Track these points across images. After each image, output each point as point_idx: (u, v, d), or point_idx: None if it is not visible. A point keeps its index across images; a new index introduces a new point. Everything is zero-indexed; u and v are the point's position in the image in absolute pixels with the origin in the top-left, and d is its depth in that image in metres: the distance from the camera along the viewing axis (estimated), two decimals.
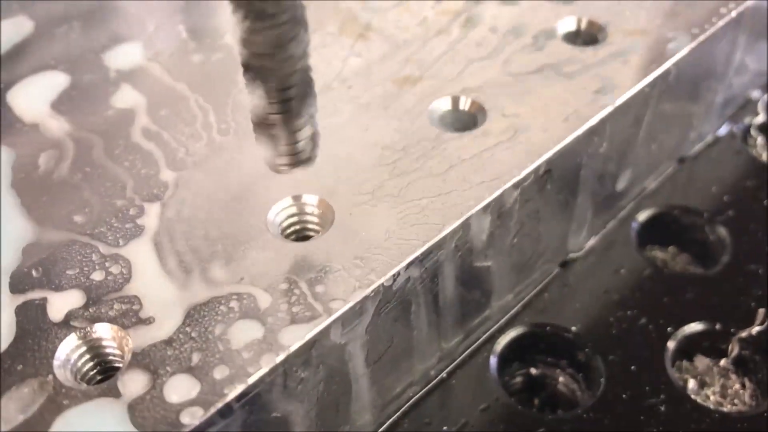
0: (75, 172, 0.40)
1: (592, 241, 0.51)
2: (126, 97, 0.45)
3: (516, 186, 0.39)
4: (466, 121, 0.43)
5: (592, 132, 0.42)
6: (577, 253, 0.50)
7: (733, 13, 0.50)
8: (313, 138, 0.33)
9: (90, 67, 0.47)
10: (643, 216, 0.53)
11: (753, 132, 0.59)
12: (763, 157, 0.58)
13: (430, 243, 0.36)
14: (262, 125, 0.31)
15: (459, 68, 0.46)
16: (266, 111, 0.30)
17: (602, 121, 0.42)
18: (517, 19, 0.50)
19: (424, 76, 0.45)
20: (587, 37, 0.49)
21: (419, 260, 0.36)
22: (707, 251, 0.52)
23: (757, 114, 0.60)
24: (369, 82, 0.45)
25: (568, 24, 0.49)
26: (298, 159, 0.33)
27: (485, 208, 0.38)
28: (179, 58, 0.48)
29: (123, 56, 0.48)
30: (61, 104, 0.45)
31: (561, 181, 0.43)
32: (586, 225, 0.49)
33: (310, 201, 0.38)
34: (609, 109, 0.43)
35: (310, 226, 0.39)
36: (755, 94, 0.61)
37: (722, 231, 0.51)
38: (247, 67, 0.29)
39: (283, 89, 0.29)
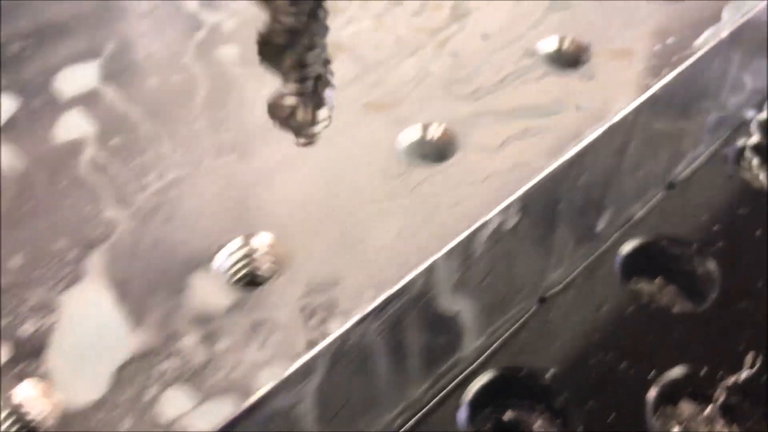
0: (13, 210, 0.38)
1: (574, 274, 0.48)
2: (74, 125, 0.42)
3: (485, 226, 0.36)
4: (436, 152, 0.40)
5: (570, 164, 0.39)
6: (557, 287, 0.47)
7: (724, 33, 0.47)
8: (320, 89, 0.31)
9: (39, 90, 0.45)
10: (628, 247, 0.50)
11: (747, 154, 0.56)
12: (758, 181, 0.55)
13: (387, 294, 0.33)
14: (278, 108, 0.30)
15: (429, 94, 0.43)
16: (283, 92, 0.30)
17: (580, 154, 0.39)
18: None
19: (393, 102, 0.42)
20: (569, 57, 0.46)
21: (377, 311, 0.33)
22: (696, 284, 0.50)
23: (750, 135, 0.57)
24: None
25: (549, 44, 0.46)
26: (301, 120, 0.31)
27: (450, 253, 0.35)
28: (135, 81, 0.45)
29: (75, 78, 0.45)
30: (7, 131, 0.42)
31: (537, 216, 0.40)
32: (566, 259, 0.46)
33: (262, 242, 0.35)
34: (589, 139, 0.40)
35: (260, 271, 0.36)
36: (750, 113, 0.58)
37: (711, 264, 0.48)
38: (267, 44, 0.28)
39: (303, 67, 0.29)
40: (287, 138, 0.32)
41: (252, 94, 0.43)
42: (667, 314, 0.46)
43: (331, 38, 0.30)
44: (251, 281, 0.35)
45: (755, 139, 0.56)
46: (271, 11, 0.28)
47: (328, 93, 0.31)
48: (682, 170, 0.54)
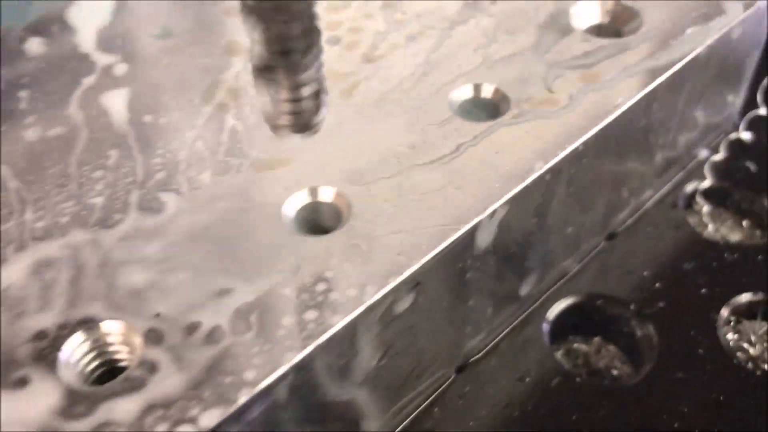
0: None
1: (497, 340, 0.44)
2: None
3: (372, 309, 0.32)
4: (327, 221, 0.37)
5: (470, 233, 0.35)
6: (477, 355, 0.43)
7: (674, 69, 0.43)
8: (318, 97, 0.30)
9: None
10: (560, 307, 0.46)
11: (698, 199, 0.52)
12: (707, 232, 0.51)
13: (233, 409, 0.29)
14: (262, 71, 0.28)
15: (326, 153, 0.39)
16: (267, 55, 0.28)
17: (480, 224, 0.35)
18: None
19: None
20: (488, 106, 0.42)
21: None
22: (635, 346, 0.45)
23: (704, 178, 0.53)
24: None
25: (463, 93, 0.42)
26: (301, 121, 0.30)
27: (329, 343, 0.31)
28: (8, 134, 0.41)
29: None
30: None
31: (438, 291, 0.36)
32: (485, 327, 0.42)
33: (111, 331, 0.32)
34: (494, 207, 0.36)
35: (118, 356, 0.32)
36: (703, 153, 0.54)
37: (650, 328, 0.44)
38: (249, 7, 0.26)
39: (288, 31, 0.27)
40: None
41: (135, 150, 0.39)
42: (595, 389, 0.42)
43: None
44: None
45: (707, 183, 0.52)
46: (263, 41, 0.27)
47: (323, 97, 0.30)
48: (627, 217, 0.50)
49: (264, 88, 0.29)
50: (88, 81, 0.44)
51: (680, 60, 0.43)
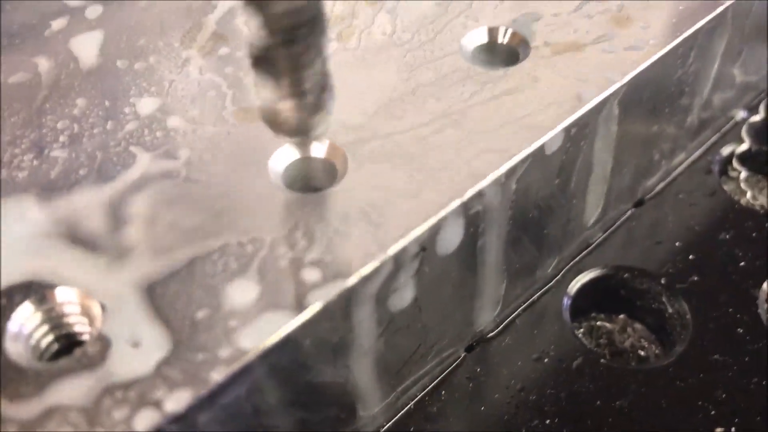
0: None
1: (512, 316, 0.39)
2: None
3: (369, 278, 0.28)
4: (320, 179, 0.32)
5: (484, 194, 0.31)
6: (491, 332, 0.39)
7: (707, 18, 0.38)
8: (323, 96, 0.28)
9: None
10: (581, 281, 0.41)
11: (735, 164, 0.47)
12: (746, 199, 0.46)
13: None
14: (261, 62, 0.26)
15: None
16: (266, 43, 0.25)
17: (494, 184, 0.31)
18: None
19: None
20: (506, 52, 0.37)
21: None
22: (665, 323, 0.41)
23: (741, 141, 0.48)
24: None
25: (478, 37, 0.37)
26: (301, 122, 0.28)
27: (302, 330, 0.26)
28: None
29: None
30: None
31: (446, 258, 0.31)
32: (499, 301, 0.37)
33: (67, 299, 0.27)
34: (509, 164, 0.31)
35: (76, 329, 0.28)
36: (741, 114, 0.49)
37: (683, 305, 0.39)
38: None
39: (290, 16, 0.25)
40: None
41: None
42: (621, 369, 0.37)
43: None
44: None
45: (745, 146, 0.47)
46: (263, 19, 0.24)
47: (327, 95, 0.28)
48: (657, 183, 0.45)
49: (262, 81, 0.26)
50: (58, 24, 0.39)
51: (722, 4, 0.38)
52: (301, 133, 0.29)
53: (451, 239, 0.31)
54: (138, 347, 0.25)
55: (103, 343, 0.25)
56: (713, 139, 0.48)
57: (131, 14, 0.39)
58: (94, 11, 0.40)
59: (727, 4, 0.38)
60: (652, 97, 0.38)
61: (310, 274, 0.27)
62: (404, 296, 0.30)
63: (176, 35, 0.38)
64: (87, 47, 0.37)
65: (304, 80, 0.27)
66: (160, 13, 0.39)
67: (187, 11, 0.39)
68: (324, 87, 0.28)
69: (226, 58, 0.36)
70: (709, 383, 0.36)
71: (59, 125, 0.34)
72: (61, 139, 0.33)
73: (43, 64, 0.37)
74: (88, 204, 0.30)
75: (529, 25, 0.37)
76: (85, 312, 0.28)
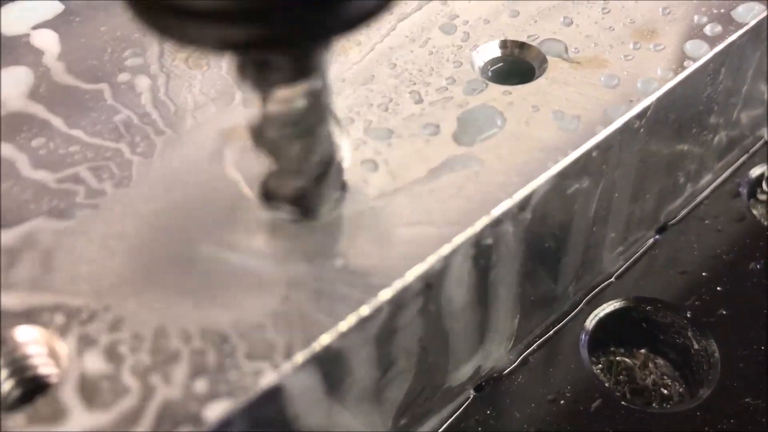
0: None
1: (526, 353, 0.36)
2: None
3: (366, 321, 0.25)
4: None
5: (497, 224, 0.28)
6: (502, 370, 0.36)
7: (737, 34, 0.35)
8: (327, 177, 0.26)
9: None
10: (600, 314, 0.38)
11: (765, 186, 0.44)
12: None
13: None
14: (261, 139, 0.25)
15: None
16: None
17: (508, 212, 0.28)
18: None
19: None
20: (521, 67, 0.35)
21: None
22: (691, 360, 0.38)
23: None
24: None
25: (491, 51, 0.35)
26: (303, 204, 0.26)
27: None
28: None
29: None
30: None
31: (454, 294, 0.29)
32: (512, 336, 0.35)
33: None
34: (525, 190, 0.28)
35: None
36: None
37: (710, 341, 0.36)
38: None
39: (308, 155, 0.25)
40: None
41: None
42: (643, 414, 0.34)
43: None
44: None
45: None
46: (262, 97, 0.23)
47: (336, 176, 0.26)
48: (681, 207, 0.42)
49: (262, 155, 0.25)
50: None
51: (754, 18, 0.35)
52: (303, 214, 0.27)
53: (460, 274, 0.28)
54: None
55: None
56: (741, 159, 0.45)
57: None
58: None
59: (761, 16, 0.35)
60: (678, 117, 0.35)
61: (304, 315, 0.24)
62: (407, 336, 0.28)
63: None
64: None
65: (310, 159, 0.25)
66: None
67: None
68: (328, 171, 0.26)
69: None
70: (740, 429, 0.33)
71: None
72: None
73: None
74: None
75: (546, 38, 0.34)
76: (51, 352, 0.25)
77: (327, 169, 0.26)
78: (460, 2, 0.37)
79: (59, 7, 0.38)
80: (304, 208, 0.27)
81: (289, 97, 0.23)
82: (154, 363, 0.23)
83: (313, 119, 0.24)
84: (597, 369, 0.38)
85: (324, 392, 0.25)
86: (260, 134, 0.25)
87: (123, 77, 0.33)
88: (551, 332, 0.37)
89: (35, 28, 0.37)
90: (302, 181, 0.26)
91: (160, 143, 0.30)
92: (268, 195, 0.27)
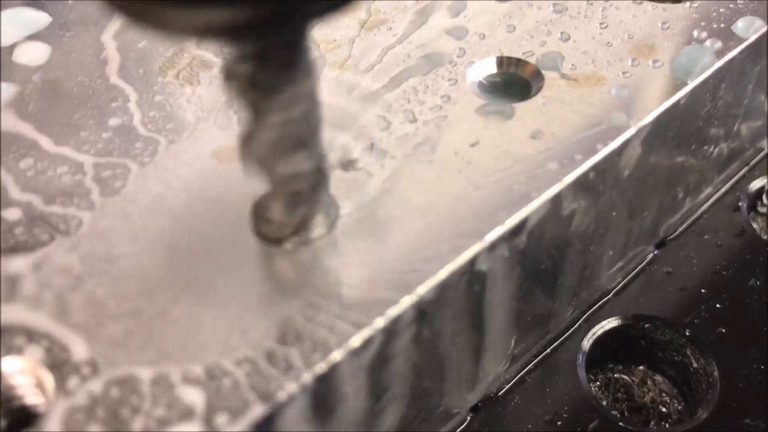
0: None
1: (522, 373, 0.36)
2: None
3: (358, 353, 0.24)
4: None
5: (491, 249, 0.27)
6: (499, 390, 0.35)
7: (735, 51, 0.34)
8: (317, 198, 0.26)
9: None
10: (597, 332, 0.37)
11: (765, 200, 0.44)
12: None
13: None
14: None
15: None
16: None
17: (503, 237, 0.27)
18: None
19: None
20: (517, 84, 0.34)
21: None
22: (690, 378, 0.37)
23: None
24: None
25: (487, 67, 0.34)
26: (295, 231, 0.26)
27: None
28: None
29: None
30: None
31: (448, 320, 0.28)
32: (508, 356, 0.34)
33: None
34: (521, 214, 0.28)
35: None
36: None
37: (710, 360, 0.36)
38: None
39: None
40: None
41: None
42: None
43: None
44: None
45: None
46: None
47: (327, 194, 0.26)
48: (680, 222, 0.42)
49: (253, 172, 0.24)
50: None
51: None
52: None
53: (454, 298, 0.27)
54: None
55: None
56: (741, 172, 0.44)
57: None
58: None
59: (762, 31, 0.35)
60: (677, 133, 0.34)
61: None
62: (401, 362, 0.27)
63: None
64: None
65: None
66: None
67: None
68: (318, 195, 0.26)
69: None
70: None
71: None
72: None
73: None
74: None
75: (543, 55, 0.34)
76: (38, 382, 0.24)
77: (320, 183, 0.26)
78: (455, 18, 0.36)
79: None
80: (297, 228, 0.26)
81: (281, 105, 0.22)
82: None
83: (306, 130, 0.23)
84: (595, 386, 0.38)
85: (315, 421, 0.25)
86: (251, 150, 0.24)
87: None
88: (548, 350, 0.36)
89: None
90: (295, 200, 0.25)
91: (142, 168, 0.30)
92: (261, 218, 0.27)
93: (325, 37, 0.35)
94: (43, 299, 0.25)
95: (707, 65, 0.32)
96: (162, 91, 0.33)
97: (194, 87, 0.33)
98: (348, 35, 0.36)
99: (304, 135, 0.23)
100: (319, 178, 0.25)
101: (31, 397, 0.25)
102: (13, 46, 0.36)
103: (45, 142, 0.31)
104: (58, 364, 0.23)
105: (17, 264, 0.26)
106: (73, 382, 0.23)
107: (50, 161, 0.30)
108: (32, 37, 0.36)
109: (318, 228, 0.26)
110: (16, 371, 0.24)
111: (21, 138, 0.31)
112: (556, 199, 0.28)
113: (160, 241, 0.27)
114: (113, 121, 0.31)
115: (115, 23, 0.37)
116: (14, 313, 0.25)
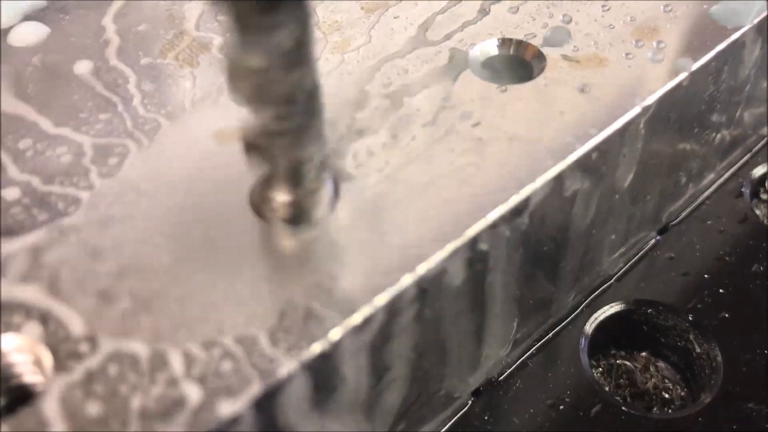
0: None
1: (525, 357, 0.36)
2: None
3: (358, 330, 0.24)
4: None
5: (493, 229, 0.27)
6: (501, 374, 0.35)
7: (740, 32, 0.34)
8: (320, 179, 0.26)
9: None
10: (600, 317, 0.37)
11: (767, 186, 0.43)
12: None
13: None
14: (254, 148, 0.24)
15: None
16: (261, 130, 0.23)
17: (505, 217, 0.27)
18: None
19: None
20: (519, 66, 0.34)
21: None
22: (693, 363, 0.37)
23: None
24: None
25: (489, 47, 0.34)
26: (297, 211, 0.26)
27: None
28: None
29: None
30: None
31: (449, 300, 0.28)
32: (510, 340, 0.34)
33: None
34: (523, 193, 0.27)
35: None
36: None
37: (713, 345, 0.36)
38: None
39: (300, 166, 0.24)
40: None
41: None
42: (645, 420, 0.34)
43: None
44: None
45: None
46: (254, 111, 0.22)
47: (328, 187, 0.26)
48: (682, 208, 0.42)
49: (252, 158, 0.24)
50: None
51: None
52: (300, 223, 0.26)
53: (456, 278, 0.27)
54: None
55: None
56: (744, 159, 0.44)
57: None
58: None
59: (763, 14, 0.35)
60: (680, 117, 0.34)
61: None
62: (403, 342, 0.27)
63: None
64: None
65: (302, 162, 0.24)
66: None
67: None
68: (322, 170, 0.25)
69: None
70: None
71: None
72: None
73: None
74: None
75: (545, 36, 0.33)
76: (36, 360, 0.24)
77: (321, 168, 0.25)
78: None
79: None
80: (298, 210, 0.26)
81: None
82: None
83: (307, 112, 0.23)
84: (597, 372, 0.37)
85: (316, 400, 0.25)
86: (253, 134, 0.24)
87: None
88: (550, 335, 0.36)
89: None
90: (296, 181, 0.25)
91: (144, 147, 0.30)
92: (261, 201, 0.26)
93: (327, 19, 0.35)
94: (41, 277, 0.25)
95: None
96: (162, 73, 0.33)
97: (194, 68, 0.33)
98: (349, 18, 0.36)
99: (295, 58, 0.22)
100: (311, 107, 0.24)
101: (30, 376, 0.25)
102: (10, 29, 0.36)
103: (45, 124, 0.31)
104: (57, 341, 0.23)
105: (15, 243, 0.26)
106: (71, 359, 0.23)
107: (49, 142, 0.30)
108: (31, 18, 0.36)
109: (319, 205, 0.26)
110: (13, 349, 0.24)
111: (21, 119, 0.31)
112: (558, 179, 0.28)
113: (159, 221, 0.27)
114: (113, 103, 0.31)
115: (115, 5, 0.37)
116: (12, 291, 0.25)
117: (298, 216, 0.26)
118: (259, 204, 0.26)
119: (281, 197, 0.25)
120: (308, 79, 0.22)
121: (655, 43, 0.33)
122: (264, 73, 0.21)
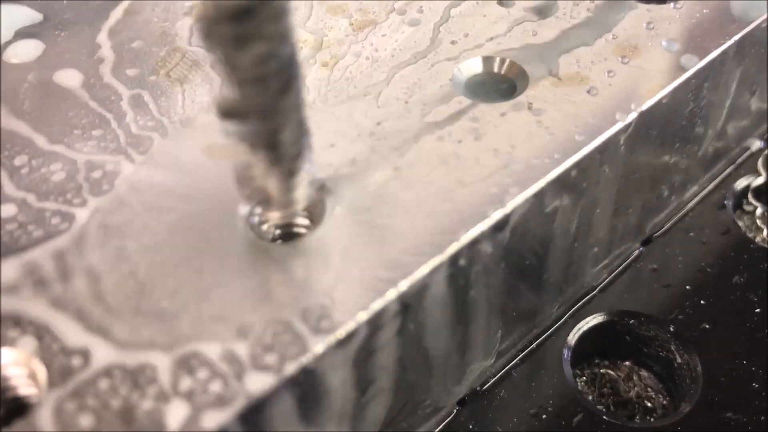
0: None
1: (508, 367, 0.37)
2: None
3: (343, 343, 0.25)
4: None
5: (476, 243, 0.28)
6: (485, 385, 0.36)
7: (722, 47, 0.35)
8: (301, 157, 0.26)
9: None
10: (583, 328, 0.38)
11: (750, 198, 0.44)
12: (762, 237, 0.43)
13: None
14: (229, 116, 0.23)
15: None
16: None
17: (487, 232, 0.28)
18: None
19: None
20: (503, 84, 0.35)
21: None
22: (674, 373, 0.38)
23: (757, 173, 0.45)
24: None
25: (473, 66, 0.35)
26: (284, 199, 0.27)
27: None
28: None
29: None
30: None
31: (433, 314, 0.29)
32: (494, 351, 0.35)
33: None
34: (505, 209, 0.28)
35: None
36: (757, 144, 0.46)
37: (693, 355, 0.36)
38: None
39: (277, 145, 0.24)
40: None
41: None
42: (624, 428, 0.34)
43: None
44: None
45: (762, 179, 0.44)
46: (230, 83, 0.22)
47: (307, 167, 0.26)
48: (665, 219, 0.42)
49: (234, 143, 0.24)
50: None
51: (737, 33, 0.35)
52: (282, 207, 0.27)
53: (438, 293, 0.28)
54: None
55: None
56: (727, 171, 0.45)
57: None
58: None
59: (744, 31, 0.35)
60: (661, 132, 0.35)
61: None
62: (386, 355, 0.28)
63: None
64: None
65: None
66: None
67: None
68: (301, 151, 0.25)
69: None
70: None
71: None
72: None
73: None
74: None
75: (528, 55, 0.34)
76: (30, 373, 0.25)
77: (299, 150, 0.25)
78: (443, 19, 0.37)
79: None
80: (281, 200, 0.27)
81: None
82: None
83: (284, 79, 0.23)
84: (581, 381, 0.38)
85: (301, 412, 0.26)
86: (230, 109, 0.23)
87: None
88: (534, 345, 0.37)
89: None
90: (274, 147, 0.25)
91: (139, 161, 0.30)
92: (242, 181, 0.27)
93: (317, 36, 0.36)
94: (38, 292, 0.26)
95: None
96: (154, 89, 0.34)
97: (185, 85, 0.34)
98: (336, 36, 0.36)
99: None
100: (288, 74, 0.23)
101: (24, 388, 0.25)
102: (6, 45, 0.36)
103: (40, 141, 0.32)
104: (51, 355, 0.24)
105: (11, 258, 0.27)
106: (65, 372, 0.23)
107: (45, 159, 0.31)
108: (26, 35, 0.37)
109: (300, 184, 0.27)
110: (9, 363, 0.25)
111: (16, 135, 0.32)
112: (539, 196, 0.29)
113: (152, 235, 0.27)
114: (106, 120, 0.32)
115: (110, 22, 0.37)
116: (8, 305, 0.25)
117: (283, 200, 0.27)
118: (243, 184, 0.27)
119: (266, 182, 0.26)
120: (286, 48, 0.22)
121: (635, 62, 0.34)
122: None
